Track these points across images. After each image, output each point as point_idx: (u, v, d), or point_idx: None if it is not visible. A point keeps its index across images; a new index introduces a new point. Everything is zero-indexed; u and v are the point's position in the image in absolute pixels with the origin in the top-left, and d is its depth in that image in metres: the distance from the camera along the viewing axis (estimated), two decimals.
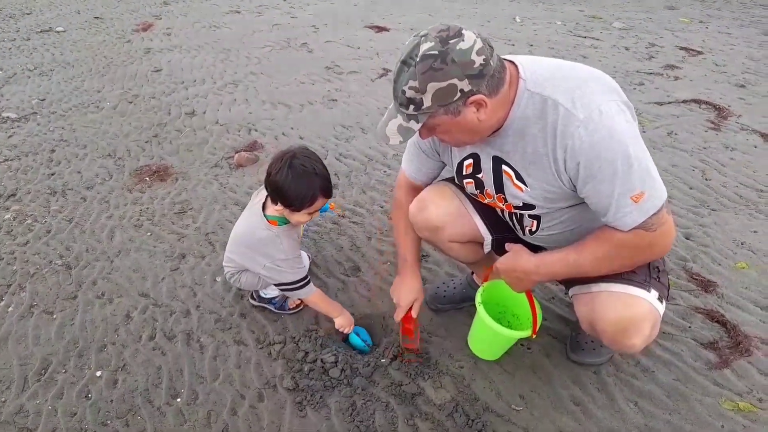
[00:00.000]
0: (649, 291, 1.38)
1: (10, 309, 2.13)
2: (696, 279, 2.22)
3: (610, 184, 1.18)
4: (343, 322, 1.95)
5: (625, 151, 1.15)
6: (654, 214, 1.19)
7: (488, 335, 1.78)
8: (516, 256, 1.47)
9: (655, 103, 3.87)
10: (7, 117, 3.68)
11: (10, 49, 4.92)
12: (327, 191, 1.72)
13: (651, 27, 5.77)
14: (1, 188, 2.90)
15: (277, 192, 1.70)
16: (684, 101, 3.90)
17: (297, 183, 1.66)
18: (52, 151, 3.29)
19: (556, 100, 1.19)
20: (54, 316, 2.10)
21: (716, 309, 2.07)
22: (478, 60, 1.12)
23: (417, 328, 1.86)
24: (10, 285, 2.25)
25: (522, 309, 1.82)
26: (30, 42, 5.11)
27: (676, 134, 3.41)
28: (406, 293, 1.78)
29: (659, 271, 1.45)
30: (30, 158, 3.20)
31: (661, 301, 1.41)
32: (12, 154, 3.24)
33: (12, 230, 2.59)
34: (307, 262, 2.26)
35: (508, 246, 1.53)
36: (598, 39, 5.35)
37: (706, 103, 3.86)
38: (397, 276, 1.84)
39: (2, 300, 2.18)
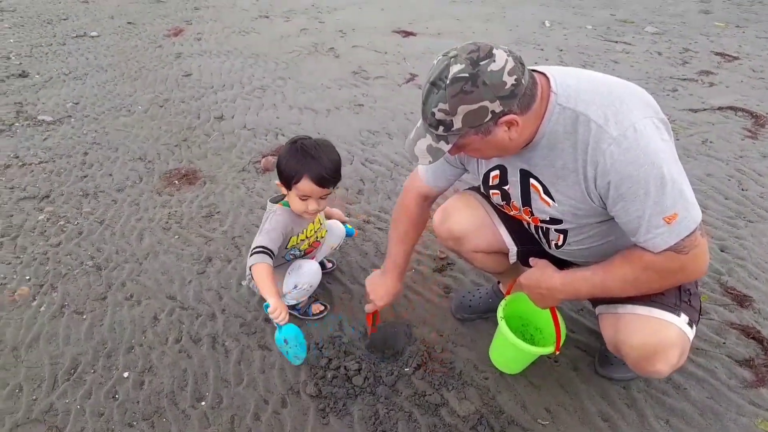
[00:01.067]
0: (678, 315, 1.33)
1: (42, 309, 2.18)
2: (731, 293, 2.15)
3: (642, 205, 1.14)
4: (274, 309, 1.70)
5: (659, 171, 1.11)
6: (687, 236, 1.15)
7: (510, 350, 1.75)
8: (541, 272, 1.44)
9: (689, 109, 3.78)
10: (43, 120, 3.78)
11: (47, 53, 5.05)
12: (317, 178, 1.75)
13: (685, 31, 5.64)
14: (36, 190, 2.98)
15: (276, 165, 1.83)
16: (719, 108, 3.79)
17: (290, 158, 1.78)
18: (85, 153, 3.36)
19: (588, 115, 1.16)
20: (84, 317, 2.14)
21: (752, 325, 2.00)
22: (510, 80, 1.09)
23: (377, 316, 1.93)
24: (42, 285, 2.31)
25: (545, 323, 1.78)
26: (65, 47, 5.25)
27: (711, 142, 3.32)
28: (384, 295, 1.81)
29: (690, 294, 1.40)
30: (64, 160, 3.28)
31: (691, 326, 1.36)
32: (47, 156, 3.33)
33: (45, 231, 2.65)
34: (315, 277, 2.03)
35: (532, 261, 1.50)
36: (630, 44, 5.25)
37: (743, 110, 3.75)
38: (381, 272, 1.86)
39: (35, 300, 2.23)
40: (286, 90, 4.27)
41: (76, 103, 4.06)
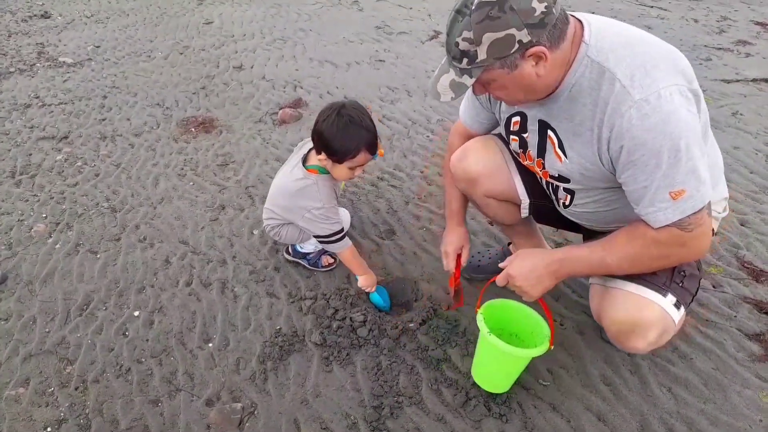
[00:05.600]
0: (664, 296, 1.30)
1: (58, 246, 2.22)
2: (747, 267, 2.11)
3: (651, 176, 1.09)
4: (366, 282, 1.95)
5: (675, 143, 1.05)
6: (692, 214, 1.11)
7: (499, 362, 1.55)
8: (532, 256, 1.35)
9: (722, 80, 3.64)
10: (64, 62, 3.78)
11: None
12: (371, 146, 1.71)
13: None
14: (55, 130, 3.00)
15: (321, 141, 1.70)
16: (753, 80, 3.64)
17: (342, 133, 1.65)
18: (104, 97, 3.37)
19: (614, 73, 1.10)
20: (98, 256, 2.17)
21: (766, 300, 1.96)
22: (540, 8, 1.03)
23: (459, 288, 1.78)
24: (59, 223, 2.34)
25: (519, 326, 1.63)
26: None
27: (741, 114, 3.20)
28: (453, 239, 1.73)
29: (685, 275, 1.35)
30: (83, 103, 3.29)
31: (679, 308, 1.32)
32: (66, 97, 3.34)
33: (63, 171, 2.68)
34: (347, 219, 2.27)
35: (508, 259, 1.41)
36: (665, 9, 5.04)
37: None
38: (445, 229, 1.81)
39: (51, 237, 2.27)
40: (307, 42, 4.20)
41: (97, 47, 4.05)
